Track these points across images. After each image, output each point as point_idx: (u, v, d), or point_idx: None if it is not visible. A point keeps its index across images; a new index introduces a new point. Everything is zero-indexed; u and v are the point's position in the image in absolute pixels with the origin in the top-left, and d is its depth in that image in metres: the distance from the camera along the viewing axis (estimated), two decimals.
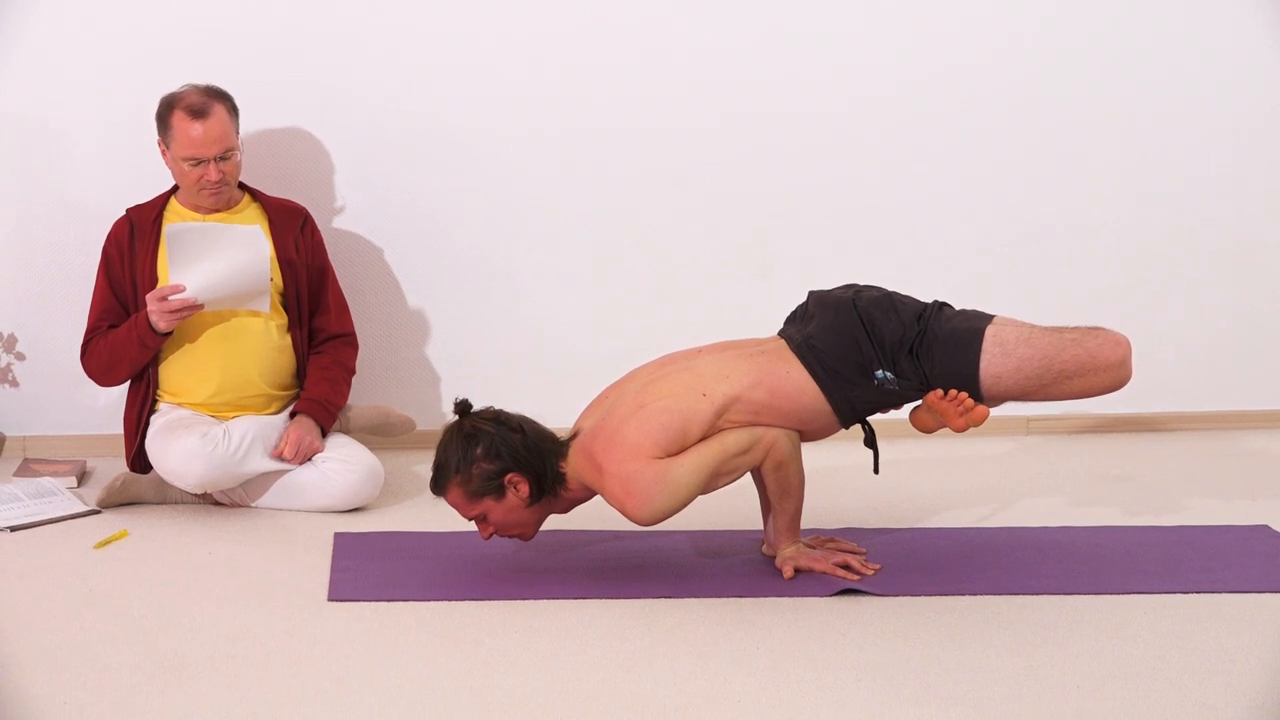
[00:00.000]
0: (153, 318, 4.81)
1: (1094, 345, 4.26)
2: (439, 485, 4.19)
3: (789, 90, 5.58)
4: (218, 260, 4.79)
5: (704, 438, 4.17)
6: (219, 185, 4.91)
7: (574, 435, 4.26)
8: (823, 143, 5.63)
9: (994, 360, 4.22)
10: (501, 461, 4.13)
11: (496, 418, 4.19)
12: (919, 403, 4.31)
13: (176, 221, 4.93)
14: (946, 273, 5.62)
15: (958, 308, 4.38)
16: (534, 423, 4.23)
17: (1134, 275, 5.75)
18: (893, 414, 4.51)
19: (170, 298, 4.78)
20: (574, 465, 4.20)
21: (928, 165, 5.67)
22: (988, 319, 4.29)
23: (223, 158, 4.89)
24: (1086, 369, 4.25)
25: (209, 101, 4.88)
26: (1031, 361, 4.22)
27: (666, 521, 4.20)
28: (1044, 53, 5.64)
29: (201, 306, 4.81)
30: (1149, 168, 5.73)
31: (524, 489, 4.16)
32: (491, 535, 4.24)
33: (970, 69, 5.63)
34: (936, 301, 4.35)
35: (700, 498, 4.20)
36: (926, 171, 5.67)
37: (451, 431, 4.19)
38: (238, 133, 4.96)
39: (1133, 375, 4.31)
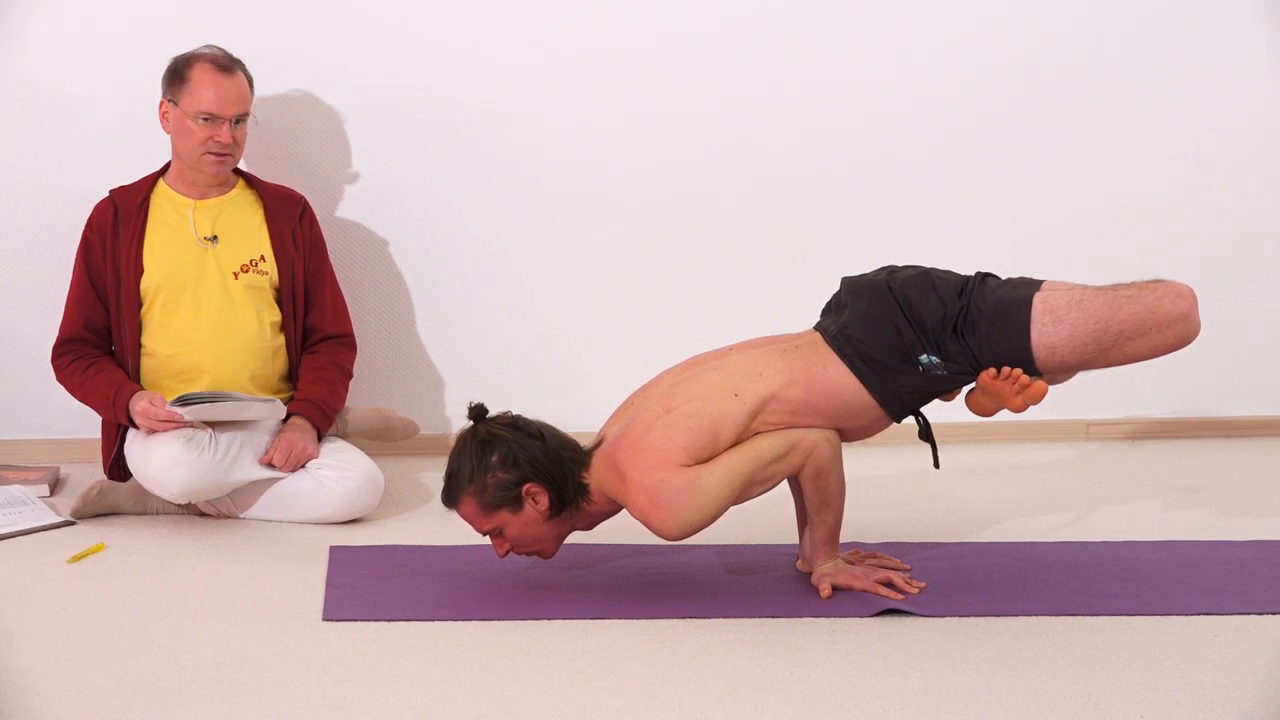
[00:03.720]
0: (135, 414, 4.85)
1: (1153, 300, 4.21)
2: (451, 496, 4.20)
3: (820, 71, 5.61)
4: (228, 408, 4.86)
5: (737, 442, 4.17)
6: (225, 151, 4.95)
7: (598, 444, 4.27)
8: (860, 123, 5.64)
9: (1046, 329, 4.19)
10: (519, 470, 4.13)
11: (514, 423, 4.20)
12: (974, 386, 4.29)
13: (170, 255, 4.96)
14: (1000, 253, 5.51)
15: (1003, 277, 4.36)
16: (554, 429, 4.24)
17: (1203, 259, 5.71)
18: (940, 416, 4.51)
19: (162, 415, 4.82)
20: (597, 475, 4.20)
21: (976, 142, 5.69)
22: (1035, 285, 4.26)
23: (238, 121, 4.95)
24: (1148, 327, 4.20)
25: (234, 62, 4.98)
26: (1086, 326, 4.19)
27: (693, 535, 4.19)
28: (1110, 22, 5.64)
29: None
30: (1221, 145, 5.72)
31: (543, 501, 4.16)
32: (508, 552, 4.24)
33: (1024, 43, 5.65)
34: (979, 273, 4.32)
35: (730, 509, 4.19)
36: (975, 149, 5.69)
37: (465, 438, 4.19)
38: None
39: (1200, 329, 4.25)
